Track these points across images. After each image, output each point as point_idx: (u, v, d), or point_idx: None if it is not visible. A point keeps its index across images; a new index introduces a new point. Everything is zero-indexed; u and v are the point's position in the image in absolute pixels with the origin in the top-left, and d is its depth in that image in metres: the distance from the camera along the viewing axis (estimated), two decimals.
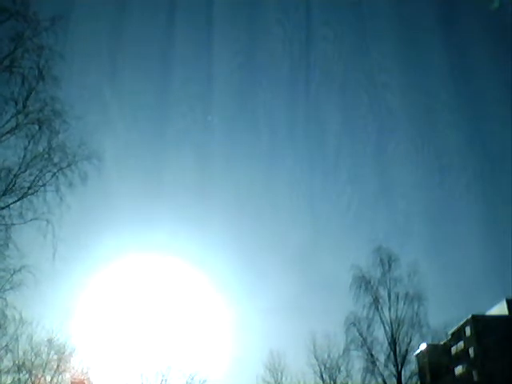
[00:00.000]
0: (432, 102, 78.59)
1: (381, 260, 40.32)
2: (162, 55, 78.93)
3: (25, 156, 16.95)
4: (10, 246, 17.05)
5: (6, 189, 16.75)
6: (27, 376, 38.73)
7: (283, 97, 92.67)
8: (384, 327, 39.10)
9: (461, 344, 58.20)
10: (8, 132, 16.59)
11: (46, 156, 17.23)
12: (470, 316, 57.36)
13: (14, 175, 16.83)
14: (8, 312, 19.00)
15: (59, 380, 40.58)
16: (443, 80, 78.30)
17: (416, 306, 39.18)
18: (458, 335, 58.00)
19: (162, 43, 75.60)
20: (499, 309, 58.71)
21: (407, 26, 76.83)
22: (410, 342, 39.10)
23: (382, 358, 38.65)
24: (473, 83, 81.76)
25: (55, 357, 40.50)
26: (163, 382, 47.05)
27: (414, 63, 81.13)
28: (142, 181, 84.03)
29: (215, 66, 74.90)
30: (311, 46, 76.38)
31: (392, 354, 38.62)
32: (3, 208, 16.82)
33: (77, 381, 42.16)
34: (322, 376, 47.02)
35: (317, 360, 47.35)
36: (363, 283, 39.87)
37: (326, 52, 74.70)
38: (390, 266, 40.22)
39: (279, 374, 50.14)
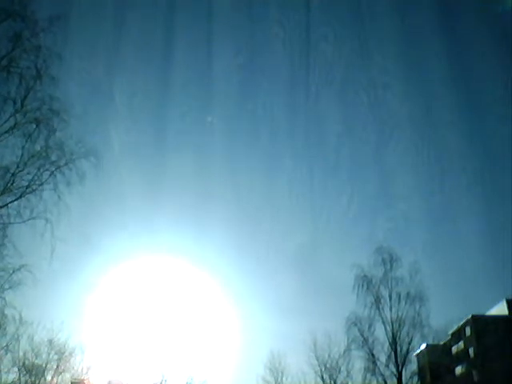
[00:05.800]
0: (432, 102, 78.73)
1: (383, 259, 39.94)
2: (161, 55, 79.21)
3: (22, 155, 16.98)
4: (9, 245, 17.07)
5: (4, 188, 16.75)
6: (27, 376, 38.77)
7: (283, 97, 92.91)
8: (385, 327, 38.80)
9: (461, 344, 58.10)
10: (6, 131, 16.61)
11: (43, 154, 17.26)
12: (469, 316, 57.23)
13: (12, 174, 16.83)
14: (8, 312, 19.03)
15: (59, 380, 40.65)
16: (443, 80, 78.38)
17: (417, 306, 38.83)
18: (458, 335, 57.94)
19: (162, 43, 75.91)
20: (499, 309, 58.55)
21: (408, 28, 76.90)
22: (411, 341, 38.81)
23: (382, 358, 38.38)
24: (473, 83, 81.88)
25: (55, 357, 40.62)
26: (163, 381, 47.08)
27: (415, 64, 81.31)
28: (142, 181, 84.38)
29: (215, 66, 75.21)
30: (311, 46, 76.61)
31: (393, 353, 38.37)
32: (1, 207, 16.82)
33: (77, 381, 42.22)
34: (322, 376, 46.98)
35: (317, 360, 47.36)
36: (365, 283, 39.56)
37: (326, 52, 75.01)
38: (391, 265, 39.85)
39: (280, 373, 50.23)
